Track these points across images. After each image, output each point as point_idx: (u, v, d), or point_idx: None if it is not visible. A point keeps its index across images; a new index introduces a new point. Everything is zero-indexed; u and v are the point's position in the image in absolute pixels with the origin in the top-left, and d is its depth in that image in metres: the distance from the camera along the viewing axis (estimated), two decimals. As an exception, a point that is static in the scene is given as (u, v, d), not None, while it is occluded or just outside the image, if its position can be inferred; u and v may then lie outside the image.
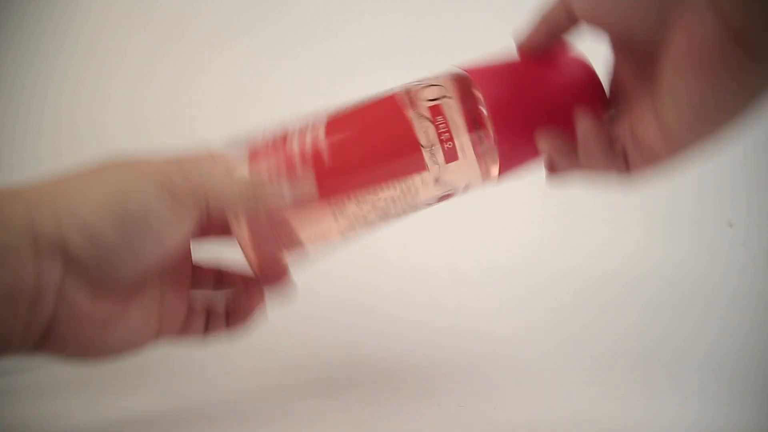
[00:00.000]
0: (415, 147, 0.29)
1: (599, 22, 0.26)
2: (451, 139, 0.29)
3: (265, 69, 0.62)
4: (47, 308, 0.23)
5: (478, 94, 0.29)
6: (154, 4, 0.62)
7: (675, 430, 0.35)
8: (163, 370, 0.40)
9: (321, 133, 0.29)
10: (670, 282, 0.54)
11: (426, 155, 0.29)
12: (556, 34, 0.28)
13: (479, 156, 0.29)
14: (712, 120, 0.24)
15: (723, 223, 0.60)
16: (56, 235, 0.23)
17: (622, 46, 0.27)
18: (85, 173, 0.25)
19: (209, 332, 0.32)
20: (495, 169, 0.30)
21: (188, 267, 0.31)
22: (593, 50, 0.30)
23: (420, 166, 0.29)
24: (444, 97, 0.29)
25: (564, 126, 0.28)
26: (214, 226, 0.31)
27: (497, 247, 0.56)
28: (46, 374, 0.39)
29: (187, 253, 0.31)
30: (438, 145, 0.29)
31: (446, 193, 0.31)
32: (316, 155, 0.28)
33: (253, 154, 0.29)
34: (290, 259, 0.31)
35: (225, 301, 0.32)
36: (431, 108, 0.29)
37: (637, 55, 0.26)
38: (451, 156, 0.29)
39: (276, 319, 0.46)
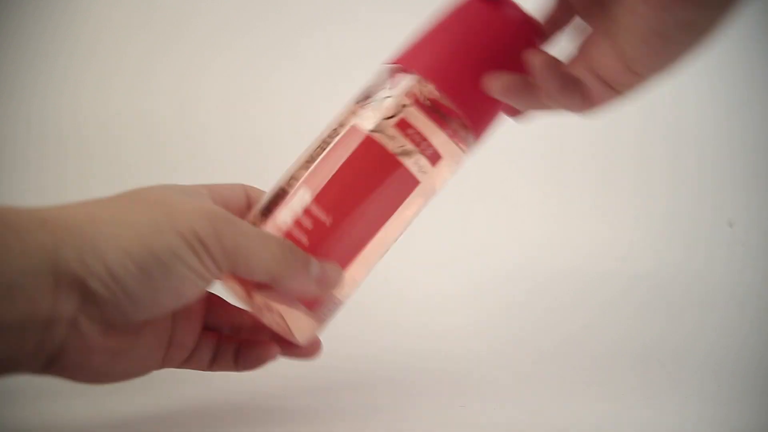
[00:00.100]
0: (403, 170, 0.29)
1: None
2: (429, 144, 0.29)
3: (265, 69, 0.62)
4: (58, 338, 0.23)
5: (428, 83, 0.29)
6: (154, 4, 0.62)
7: (675, 430, 0.35)
8: (162, 370, 0.40)
9: (307, 200, 0.28)
10: (670, 282, 0.54)
11: (414, 171, 0.29)
12: None
13: (458, 140, 0.30)
14: (675, 44, 0.23)
15: (723, 223, 0.60)
16: (79, 273, 0.22)
17: None
18: (115, 209, 0.25)
19: (215, 367, 0.31)
20: (473, 139, 0.31)
21: (203, 300, 0.31)
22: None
23: (413, 183, 0.29)
24: (403, 107, 0.29)
25: (513, 68, 0.28)
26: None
27: (497, 247, 0.56)
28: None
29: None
30: (421, 156, 0.29)
31: (445, 180, 0.31)
32: (320, 230, 0.28)
33: (272, 214, 0.29)
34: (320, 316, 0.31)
35: (236, 343, 0.32)
36: (398, 124, 0.29)
37: None
38: (435, 158, 0.29)
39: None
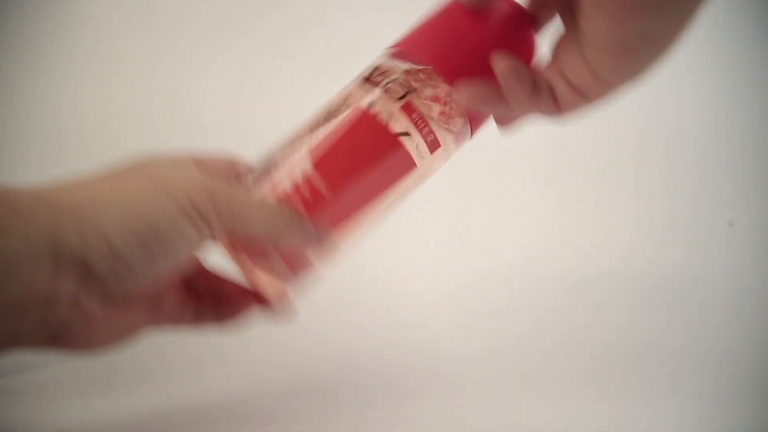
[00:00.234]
0: (400, 149, 0.29)
1: None
2: (431, 130, 0.30)
3: (265, 69, 0.62)
4: (60, 315, 0.23)
5: (433, 72, 0.29)
6: (154, 4, 0.62)
7: (675, 430, 0.35)
8: (161, 371, 0.40)
9: (307, 167, 0.29)
10: (670, 282, 0.54)
11: (413, 154, 0.29)
12: None
13: (455, 133, 0.30)
14: (637, 54, 0.23)
15: (723, 223, 0.60)
16: (79, 249, 0.23)
17: None
18: (111, 182, 0.25)
19: (200, 325, 0.32)
20: (468, 132, 0.31)
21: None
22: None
23: (410, 165, 0.30)
24: (408, 92, 0.29)
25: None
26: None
27: (497, 246, 0.56)
28: (46, 374, 0.39)
29: None
30: (421, 141, 0.30)
31: (438, 166, 0.32)
32: (317, 198, 0.28)
33: (266, 180, 0.29)
34: (296, 281, 0.31)
35: (217, 301, 0.32)
36: (404, 107, 0.29)
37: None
38: (434, 145, 0.30)
39: (271, 328, 0.46)
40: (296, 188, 0.28)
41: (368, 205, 0.30)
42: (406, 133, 0.29)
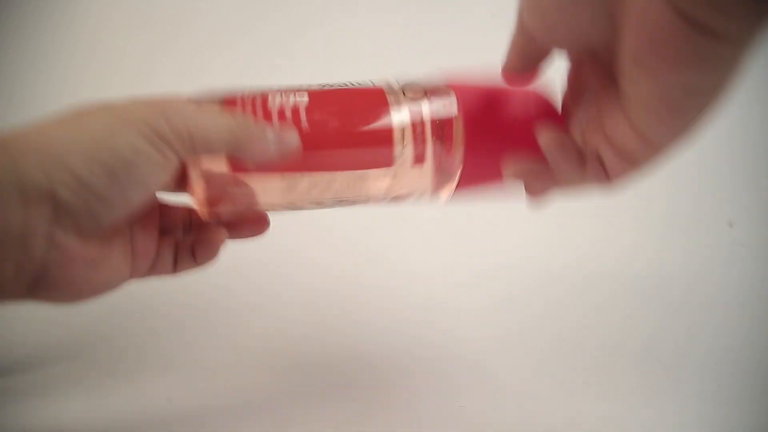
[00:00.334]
0: (389, 141, 0.29)
1: (553, 36, 0.26)
2: (423, 144, 0.29)
3: (265, 69, 0.62)
4: (38, 253, 0.24)
5: (458, 111, 0.30)
6: (154, 4, 0.62)
7: (675, 430, 0.35)
8: (161, 371, 0.40)
9: (303, 101, 0.29)
10: (670, 282, 0.54)
11: (396, 152, 0.29)
12: (529, 59, 0.28)
13: (438, 169, 0.30)
14: (682, 111, 0.23)
15: (723, 223, 0.60)
16: (45, 184, 0.23)
17: (582, 55, 0.27)
18: (67, 120, 0.25)
19: (178, 268, 0.32)
20: (451, 186, 0.31)
21: (155, 206, 0.32)
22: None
23: (387, 161, 0.29)
24: (426, 102, 0.30)
25: (529, 150, 0.29)
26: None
27: (497, 246, 0.56)
28: (46, 374, 0.39)
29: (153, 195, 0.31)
30: (410, 146, 0.29)
31: (399, 195, 0.31)
32: (295, 119, 0.28)
33: (230, 103, 0.29)
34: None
35: (192, 238, 0.33)
36: (413, 111, 0.30)
37: (599, 60, 0.26)
38: (418, 159, 0.30)
39: (275, 321, 0.46)
40: (271, 111, 0.28)
41: (328, 167, 0.29)
42: (402, 129, 0.29)
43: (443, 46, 0.63)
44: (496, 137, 0.30)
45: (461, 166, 0.30)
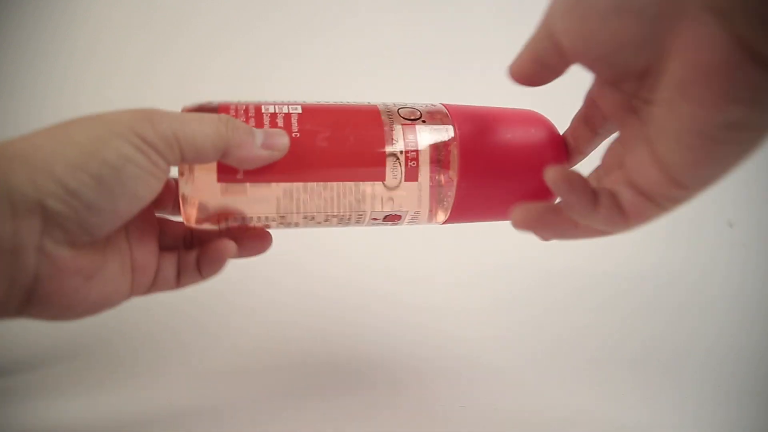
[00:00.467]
0: (380, 152, 0.29)
1: (590, 54, 0.23)
2: (416, 160, 0.29)
3: (265, 69, 0.62)
4: (29, 265, 0.23)
5: (454, 131, 0.30)
6: (154, 4, 0.62)
7: (674, 430, 0.35)
8: (161, 371, 0.40)
9: (296, 111, 0.29)
10: (670, 282, 0.54)
11: (389, 165, 0.29)
12: (545, 72, 0.26)
13: (434, 191, 0.30)
14: (720, 149, 0.21)
15: (723, 223, 0.60)
16: (33, 195, 0.23)
17: (611, 77, 0.25)
18: (53, 131, 0.25)
19: (181, 282, 0.32)
20: (445, 211, 0.31)
21: (153, 221, 0.31)
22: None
23: (379, 175, 0.29)
24: (420, 120, 0.30)
25: (530, 178, 0.29)
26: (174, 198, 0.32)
27: (497, 247, 0.56)
28: (46, 374, 0.39)
29: (150, 208, 0.31)
30: (402, 161, 0.29)
31: (393, 213, 0.31)
32: (287, 125, 0.28)
33: (224, 110, 0.29)
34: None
35: (196, 252, 0.32)
36: (405, 126, 0.30)
37: (625, 85, 0.24)
38: (411, 176, 0.29)
39: (274, 322, 0.46)
40: (262, 117, 0.28)
41: (319, 177, 0.29)
42: (394, 144, 0.29)
43: (443, 47, 0.63)
44: (494, 159, 0.30)
45: (458, 187, 0.30)
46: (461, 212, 0.31)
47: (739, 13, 0.18)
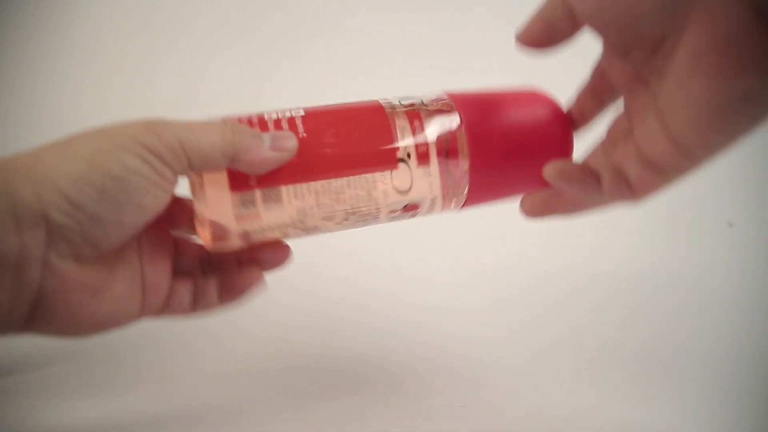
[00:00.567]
0: (389, 142, 0.29)
1: (603, 19, 0.23)
2: (425, 144, 0.29)
3: (265, 69, 0.62)
4: (34, 279, 0.23)
5: (460, 121, 0.30)
6: (154, 4, 0.62)
7: (675, 430, 0.35)
8: (160, 371, 0.40)
9: (299, 114, 0.29)
10: (670, 282, 0.54)
11: (400, 152, 0.29)
12: (555, 35, 0.25)
13: (444, 176, 0.30)
14: (732, 119, 0.21)
15: (723, 224, 0.60)
16: (37, 208, 0.23)
17: (623, 46, 0.25)
18: (57, 145, 0.25)
19: (197, 308, 0.31)
20: (461, 196, 0.31)
21: (168, 240, 0.31)
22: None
23: (391, 163, 0.29)
24: (423, 107, 0.30)
25: (538, 160, 0.29)
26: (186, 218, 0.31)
27: (497, 247, 0.56)
28: (46, 374, 0.39)
29: (164, 226, 0.30)
30: (412, 146, 0.29)
31: (411, 203, 0.30)
32: (292, 127, 0.28)
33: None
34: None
35: (216, 278, 0.31)
36: (410, 113, 0.30)
37: (636, 58, 0.24)
38: (423, 160, 0.29)
39: (276, 321, 0.46)
40: (267, 122, 0.28)
41: (331, 173, 0.28)
42: (401, 129, 0.29)
43: (443, 47, 0.63)
44: (502, 140, 0.30)
45: (470, 169, 0.30)
46: (477, 194, 0.31)
47: None
